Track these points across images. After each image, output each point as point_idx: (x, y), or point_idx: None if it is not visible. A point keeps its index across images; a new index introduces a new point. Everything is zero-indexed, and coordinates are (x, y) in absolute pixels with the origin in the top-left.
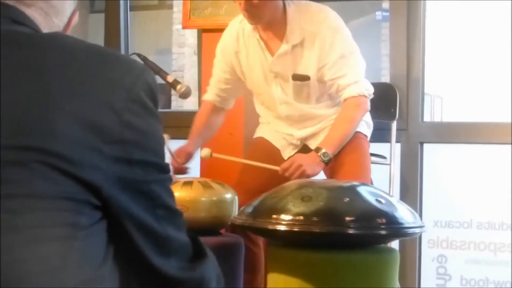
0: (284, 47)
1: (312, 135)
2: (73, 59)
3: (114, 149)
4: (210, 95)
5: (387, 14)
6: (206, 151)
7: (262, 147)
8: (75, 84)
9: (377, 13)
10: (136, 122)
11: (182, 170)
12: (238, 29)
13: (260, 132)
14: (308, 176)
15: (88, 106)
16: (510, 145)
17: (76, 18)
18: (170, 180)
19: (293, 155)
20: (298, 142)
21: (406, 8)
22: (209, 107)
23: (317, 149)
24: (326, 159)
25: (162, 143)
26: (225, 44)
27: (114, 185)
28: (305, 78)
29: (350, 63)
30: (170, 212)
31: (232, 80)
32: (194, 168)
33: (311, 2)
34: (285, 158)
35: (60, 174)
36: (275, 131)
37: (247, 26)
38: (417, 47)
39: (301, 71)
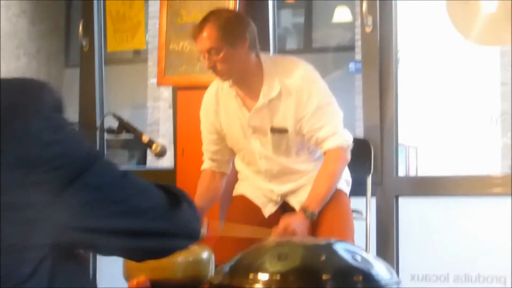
0: (261, 101)
1: (293, 191)
2: None
3: (43, 171)
4: (205, 163)
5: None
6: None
7: (242, 205)
8: None
9: (350, 64)
10: (53, 137)
11: None
12: (218, 88)
13: (239, 189)
14: None
15: (8, 142)
16: (485, 198)
17: None
18: (103, 160)
19: (277, 217)
20: (279, 199)
21: (378, 59)
22: (208, 175)
23: (304, 209)
24: (313, 219)
25: (80, 139)
26: (206, 104)
27: (60, 205)
28: (283, 130)
29: (328, 114)
30: (119, 186)
31: (220, 140)
32: None
33: (286, 56)
34: (266, 215)
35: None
36: (255, 187)
37: (225, 84)
38: (390, 99)
39: (279, 123)
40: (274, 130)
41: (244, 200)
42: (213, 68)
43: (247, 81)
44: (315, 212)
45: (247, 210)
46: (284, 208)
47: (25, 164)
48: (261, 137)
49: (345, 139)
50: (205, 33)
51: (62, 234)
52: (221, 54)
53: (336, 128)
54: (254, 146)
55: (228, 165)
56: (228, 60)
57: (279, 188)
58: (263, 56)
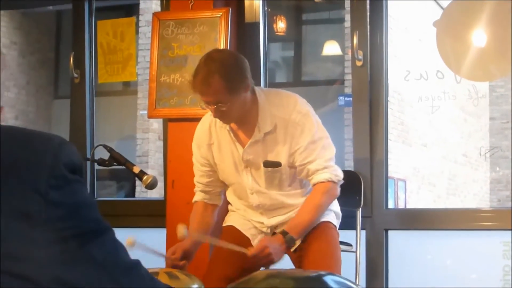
0: (257, 135)
1: (282, 224)
2: None
3: (44, 230)
4: (197, 196)
5: (350, 99)
6: (182, 231)
7: (232, 236)
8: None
9: (339, 98)
10: (61, 198)
11: (178, 266)
12: (211, 122)
13: (229, 221)
14: (274, 263)
15: (13, 195)
16: (474, 231)
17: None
18: (111, 237)
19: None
20: (268, 230)
21: (368, 92)
22: (200, 208)
23: (284, 233)
24: (291, 244)
25: (93, 206)
26: (198, 137)
27: (56, 267)
28: (277, 164)
29: (320, 149)
30: (126, 268)
31: (212, 172)
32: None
33: (281, 90)
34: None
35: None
36: (245, 219)
37: None
38: (380, 132)
39: (272, 158)
40: (267, 164)
41: (233, 231)
42: (219, 116)
43: (243, 117)
44: (294, 238)
45: (236, 241)
46: None
47: (27, 218)
48: (253, 171)
49: (336, 174)
50: (211, 89)
51: None
52: (228, 105)
53: (327, 162)
54: (246, 181)
55: (220, 197)
56: (234, 108)
57: (269, 221)
58: (257, 89)
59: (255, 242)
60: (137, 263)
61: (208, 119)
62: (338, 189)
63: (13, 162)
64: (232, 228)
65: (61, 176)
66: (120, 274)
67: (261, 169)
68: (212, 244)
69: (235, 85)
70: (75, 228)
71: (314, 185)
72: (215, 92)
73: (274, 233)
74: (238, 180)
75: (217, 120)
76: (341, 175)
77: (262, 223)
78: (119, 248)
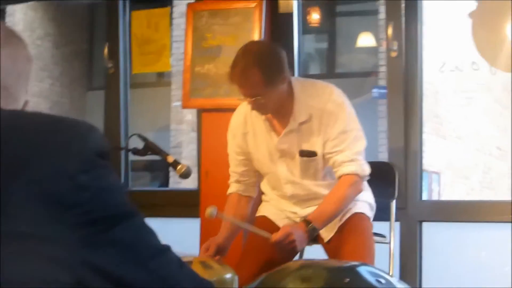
0: (292, 125)
1: None
2: (20, 133)
3: (73, 213)
4: (232, 187)
5: (384, 91)
6: (211, 210)
7: (265, 227)
8: (24, 157)
9: (373, 90)
10: (89, 182)
11: None
12: (246, 111)
13: (263, 211)
14: (297, 251)
15: (41, 177)
16: (509, 224)
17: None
18: (140, 221)
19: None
20: None
21: (403, 85)
22: (234, 200)
23: (307, 222)
24: (313, 234)
25: (120, 191)
26: (234, 127)
27: (83, 250)
28: (312, 154)
29: (349, 140)
30: (154, 252)
31: (247, 162)
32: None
33: (316, 80)
34: None
35: (24, 257)
36: (278, 209)
37: None
38: (415, 124)
39: (307, 147)
40: (303, 153)
41: (266, 222)
42: (256, 108)
43: (279, 107)
44: (317, 228)
45: (269, 231)
46: None
47: (55, 200)
48: (288, 161)
49: (362, 168)
50: (249, 82)
51: (84, 278)
52: (265, 98)
53: (355, 155)
54: (280, 171)
55: (254, 189)
56: (271, 100)
57: (303, 211)
58: (293, 80)
59: None
60: (166, 248)
61: (243, 108)
62: (363, 185)
63: (42, 146)
64: (264, 218)
65: (88, 160)
66: (148, 257)
67: (296, 159)
68: (239, 226)
69: (273, 78)
70: (102, 211)
71: (339, 177)
72: (253, 86)
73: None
74: (272, 169)
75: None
76: (368, 170)
77: (296, 213)
78: (148, 233)
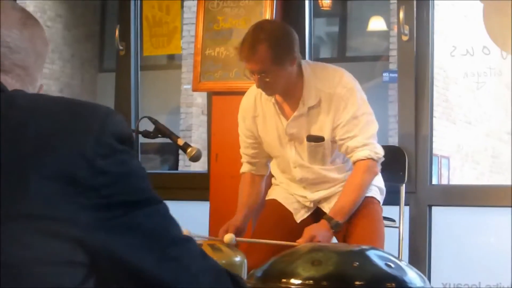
0: (301, 109)
1: (326, 198)
2: (38, 115)
3: (89, 196)
4: (244, 167)
5: (394, 75)
6: (229, 237)
7: (274, 210)
8: (44, 138)
9: (384, 74)
10: (108, 167)
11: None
12: (256, 94)
13: (272, 194)
14: None
15: (58, 159)
16: None
17: (42, 90)
18: (162, 209)
19: (308, 223)
20: (312, 205)
21: (414, 68)
22: (248, 179)
23: (329, 219)
24: (337, 229)
25: (141, 177)
26: (243, 109)
27: (98, 233)
28: (320, 139)
29: (362, 125)
30: (174, 240)
31: (257, 144)
32: (203, 230)
33: (327, 64)
34: (298, 221)
35: (37, 235)
36: (288, 193)
37: None
38: (425, 108)
39: (315, 132)
40: (310, 138)
41: (276, 205)
42: (262, 86)
43: (288, 89)
44: (340, 222)
45: (279, 215)
46: (317, 214)
47: (73, 183)
48: (297, 145)
49: (376, 152)
50: (257, 56)
51: (100, 259)
52: (272, 76)
53: (368, 139)
54: (290, 154)
55: (266, 167)
56: (278, 79)
57: (313, 195)
58: (303, 63)
59: (297, 216)
60: (188, 239)
61: (253, 91)
62: (379, 167)
63: (61, 128)
64: (274, 201)
65: (107, 145)
66: (167, 245)
67: (304, 143)
68: (254, 209)
69: (281, 56)
70: (121, 195)
71: (354, 163)
72: (260, 60)
73: (317, 208)
74: (282, 153)
75: (263, 92)
76: (381, 152)
77: (305, 197)
78: (170, 221)
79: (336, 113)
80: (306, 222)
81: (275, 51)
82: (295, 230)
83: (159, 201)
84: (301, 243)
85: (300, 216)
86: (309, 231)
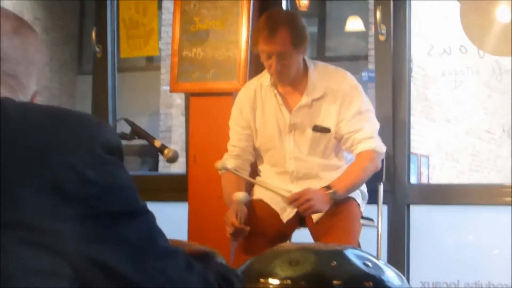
0: (305, 100)
1: None
2: (29, 127)
3: (77, 207)
4: (229, 163)
5: (373, 75)
6: (241, 194)
7: (261, 211)
8: (33, 150)
9: (363, 73)
10: (97, 177)
11: (243, 231)
12: (256, 86)
13: (258, 193)
14: (315, 212)
15: (48, 171)
16: (495, 207)
17: (37, 98)
18: (149, 221)
19: (294, 223)
20: None
21: (391, 67)
22: (232, 177)
23: (328, 187)
24: (335, 197)
25: (129, 188)
26: (242, 101)
27: (85, 244)
28: (326, 130)
29: (366, 120)
30: (160, 253)
31: (250, 138)
32: (181, 233)
33: (328, 64)
34: (284, 221)
35: (23, 245)
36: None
37: (265, 81)
38: (403, 107)
39: (320, 123)
40: (316, 128)
41: (262, 206)
42: (279, 71)
43: (293, 81)
44: (337, 192)
45: (266, 215)
46: (300, 216)
47: (60, 193)
48: (297, 136)
49: (380, 146)
50: (278, 37)
51: (86, 270)
52: (289, 60)
53: (374, 132)
54: (287, 146)
55: (248, 169)
56: (293, 64)
57: (297, 189)
58: (307, 59)
59: (283, 216)
60: (175, 251)
61: (253, 83)
62: (380, 163)
63: (51, 140)
64: (260, 202)
65: (97, 156)
66: (153, 258)
67: (306, 133)
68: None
69: (299, 40)
70: (108, 207)
71: (357, 154)
72: (281, 41)
73: None
74: (278, 145)
75: (263, 83)
76: (384, 148)
77: (290, 191)
78: (157, 233)
79: (341, 107)
80: (292, 222)
81: (294, 34)
82: (282, 229)
83: (146, 212)
84: (293, 195)
85: (286, 215)
86: (304, 190)
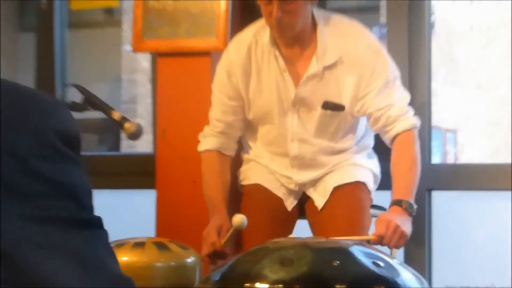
0: (314, 67)
1: (313, 182)
2: None
3: (21, 206)
4: (211, 142)
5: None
6: (241, 219)
7: (262, 197)
8: None
9: (373, 29)
10: (46, 170)
11: (224, 255)
12: (250, 42)
13: (252, 177)
14: (407, 237)
15: None
16: None
17: None
18: (103, 236)
19: (295, 213)
20: (297, 188)
21: (407, 21)
22: (216, 159)
23: (398, 202)
24: (411, 210)
25: (86, 192)
26: (231, 62)
27: (24, 250)
28: (339, 107)
29: (396, 91)
30: (109, 280)
31: (240, 109)
32: (148, 226)
33: (342, 17)
34: (289, 209)
35: None
36: (269, 173)
37: (263, 39)
38: (421, 71)
39: (333, 99)
40: (327, 106)
41: (261, 191)
42: (281, 19)
43: (299, 40)
44: (411, 202)
45: (269, 203)
46: (305, 201)
47: (4, 187)
48: (302, 113)
49: (416, 120)
50: None
51: (23, 279)
52: (295, 4)
53: (407, 105)
54: (290, 124)
55: (235, 147)
56: (298, 12)
57: (300, 176)
58: (316, 12)
59: (287, 203)
60: (129, 281)
61: (247, 38)
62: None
63: None
64: (258, 187)
65: (49, 145)
66: (103, 281)
67: (315, 111)
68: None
69: None
70: (59, 211)
71: (397, 134)
72: None
73: (303, 194)
74: (277, 121)
75: (260, 41)
76: (419, 121)
77: (290, 178)
78: (109, 253)
79: (361, 80)
80: (296, 210)
81: None
82: (288, 219)
83: (101, 227)
84: (378, 232)
85: (290, 203)
86: (380, 218)
